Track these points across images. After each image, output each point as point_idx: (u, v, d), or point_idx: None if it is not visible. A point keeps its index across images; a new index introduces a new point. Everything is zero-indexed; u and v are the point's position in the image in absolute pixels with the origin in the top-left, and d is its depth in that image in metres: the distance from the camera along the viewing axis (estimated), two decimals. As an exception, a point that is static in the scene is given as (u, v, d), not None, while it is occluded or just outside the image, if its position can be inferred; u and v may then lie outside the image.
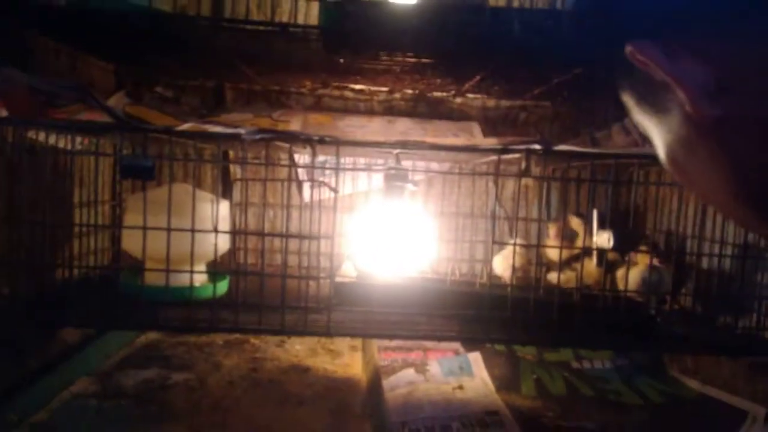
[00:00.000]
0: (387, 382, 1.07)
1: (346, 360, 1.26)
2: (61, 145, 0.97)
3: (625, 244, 1.08)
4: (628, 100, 0.40)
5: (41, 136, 0.93)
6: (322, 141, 0.86)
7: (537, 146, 0.88)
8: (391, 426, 0.93)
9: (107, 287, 0.96)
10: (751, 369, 1.01)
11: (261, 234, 0.94)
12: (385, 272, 1.09)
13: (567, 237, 1.18)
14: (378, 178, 1.38)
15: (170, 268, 0.87)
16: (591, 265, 1.11)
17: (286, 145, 0.92)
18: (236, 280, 0.97)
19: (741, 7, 0.32)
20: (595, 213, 1.09)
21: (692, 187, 0.40)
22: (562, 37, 0.87)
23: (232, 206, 1.12)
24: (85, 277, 1.05)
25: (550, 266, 1.20)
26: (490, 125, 1.48)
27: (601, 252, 1.06)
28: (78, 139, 1.02)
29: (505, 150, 0.89)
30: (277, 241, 1.34)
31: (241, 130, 0.86)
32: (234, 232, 1.09)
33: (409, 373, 1.12)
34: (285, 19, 1.19)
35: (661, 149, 0.39)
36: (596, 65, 1.00)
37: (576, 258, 1.13)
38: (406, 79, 1.27)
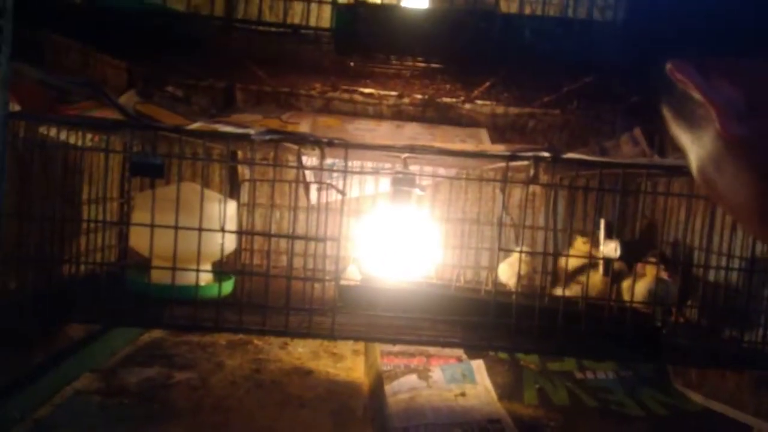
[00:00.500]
0: (389, 387, 1.07)
1: (348, 364, 1.26)
2: (71, 141, 0.98)
3: (632, 254, 1.08)
4: (667, 113, 0.43)
5: (52, 132, 0.94)
6: (330, 143, 0.86)
7: (545, 153, 0.88)
8: (393, 431, 0.92)
9: (113, 284, 0.96)
10: (756, 383, 1.00)
11: (267, 235, 0.94)
12: (390, 276, 1.09)
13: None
14: (385, 182, 1.38)
15: (177, 266, 0.88)
16: (596, 276, 1.10)
17: (295, 147, 0.92)
18: (241, 280, 0.97)
19: None
20: (602, 222, 1.08)
21: (720, 202, 0.42)
22: (573, 45, 0.87)
23: (239, 206, 1.13)
24: (91, 274, 1.06)
25: (559, 277, 1.20)
26: (498, 132, 1.48)
27: (608, 261, 1.05)
28: (88, 136, 1.03)
29: (513, 157, 0.89)
30: (282, 243, 1.35)
31: (251, 131, 0.87)
32: (241, 232, 1.09)
33: (412, 378, 1.11)
34: (297, 21, 1.19)
35: (692, 162, 0.41)
36: (611, 75, 1.00)
37: (583, 270, 1.12)
38: (416, 83, 1.27)
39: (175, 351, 1.24)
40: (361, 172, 1.37)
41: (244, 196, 1.39)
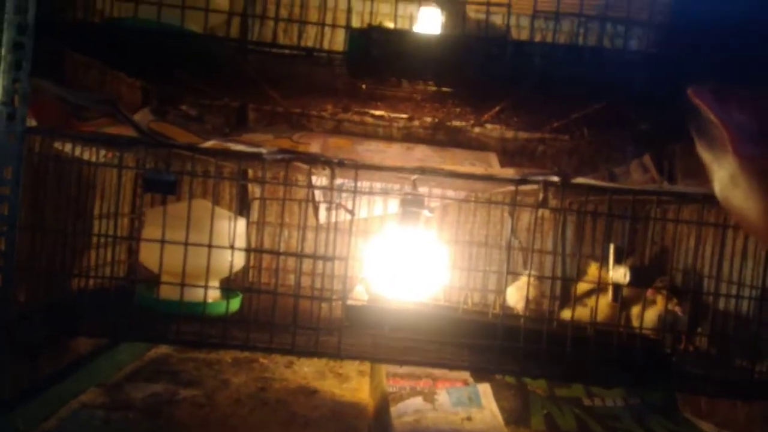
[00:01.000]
0: (395, 409, 1.06)
1: (353, 384, 1.25)
2: (85, 156, 0.99)
3: (641, 280, 1.07)
4: (693, 131, 0.47)
5: (67, 147, 0.95)
6: (341, 164, 0.87)
7: (555, 178, 0.89)
8: (396, 454, 0.91)
9: (122, 299, 0.97)
10: (767, 414, 0.99)
11: (276, 253, 0.95)
12: (398, 297, 1.09)
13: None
14: (394, 204, 1.39)
15: (185, 282, 0.88)
16: (604, 301, 1.09)
17: (305, 167, 0.93)
18: (249, 297, 0.98)
19: None
20: (612, 248, 1.08)
21: (737, 219, 0.46)
22: (583, 72, 0.88)
23: (248, 224, 1.14)
24: (100, 288, 1.06)
25: (568, 301, 1.19)
26: (507, 156, 1.48)
27: (617, 287, 1.05)
28: (102, 152, 1.05)
29: (523, 180, 0.90)
30: (290, 262, 1.35)
31: (263, 150, 0.88)
32: (249, 250, 1.10)
33: (417, 401, 1.10)
34: (310, 43, 1.21)
35: (714, 181, 0.45)
36: (621, 102, 1.00)
37: (592, 295, 1.12)
38: (426, 107, 1.28)
39: (181, 367, 1.24)
40: (370, 193, 1.37)
41: (254, 214, 1.40)
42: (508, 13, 1.03)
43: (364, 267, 1.23)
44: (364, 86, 1.10)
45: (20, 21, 0.79)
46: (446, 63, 0.91)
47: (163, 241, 0.87)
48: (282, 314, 0.89)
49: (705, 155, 0.45)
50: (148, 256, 1.02)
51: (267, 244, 1.40)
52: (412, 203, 1.08)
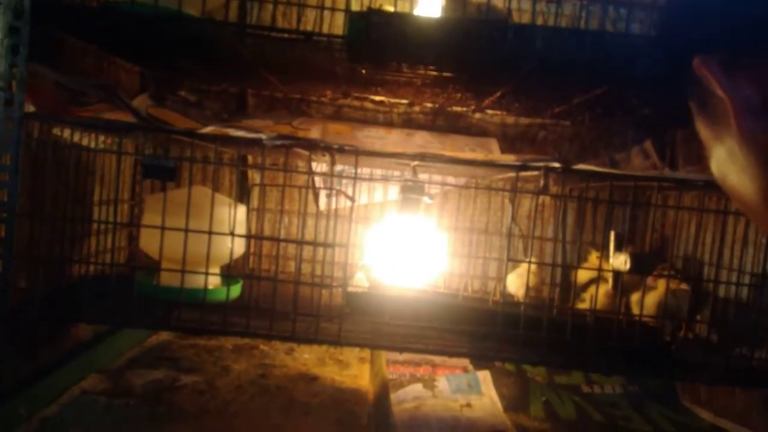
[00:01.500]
0: (395, 396, 1.07)
1: (354, 371, 1.26)
2: (84, 142, 0.99)
3: (642, 267, 1.07)
4: (693, 107, 0.46)
5: (65, 133, 0.95)
6: (341, 150, 0.86)
7: (556, 164, 0.88)
8: (396, 439, 0.92)
9: (122, 285, 0.97)
10: (765, 402, 0.99)
11: (276, 239, 0.94)
12: (398, 284, 1.09)
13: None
14: (394, 190, 1.38)
15: (185, 269, 0.88)
16: (605, 288, 1.09)
17: (305, 153, 0.92)
18: (249, 284, 0.98)
19: None
20: (612, 234, 1.08)
21: (734, 196, 0.45)
22: (585, 56, 0.87)
23: (248, 211, 1.13)
24: (100, 275, 1.06)
25: (569, 288, 1.19)
26: (508, 142, 1.48)
27: (617, 274, 1.05)
28: (101, 138, 1.04)
29: (523, 167, 0.89)
30: (291, 248, 1.35)
31: (262, 136, 0.87)
32: (250, 237, 1.10)
33: (417, 388, 1.11)
34: (309, 27, 1.20)
35: (711, 156, 0.44)
36: (623, 86, 0.99)
37: (593, 282, 1.12)
38: (427, 92, 1.27)
39: (181, 354, 1.24)
40: (370, 179, 1.37)
41: (254, 200, 1.40)
42: (510, -4, 1.02)
43: (365, 254, 1.23)
44: (363, 71, 1.09)
45: (16, 5, 0.78)
46: (447, 47, 0.90)
47: (163, 228, 0.87)
48: (282, 301, 0.88)
49: (704, 132, 0.44)
50: (149, 242, 1.02)
51: (267, 231, 1.39)
52: (412, 190, 1.08)
